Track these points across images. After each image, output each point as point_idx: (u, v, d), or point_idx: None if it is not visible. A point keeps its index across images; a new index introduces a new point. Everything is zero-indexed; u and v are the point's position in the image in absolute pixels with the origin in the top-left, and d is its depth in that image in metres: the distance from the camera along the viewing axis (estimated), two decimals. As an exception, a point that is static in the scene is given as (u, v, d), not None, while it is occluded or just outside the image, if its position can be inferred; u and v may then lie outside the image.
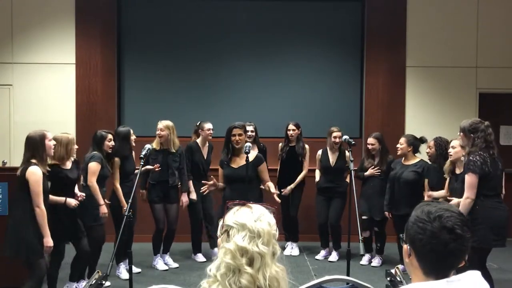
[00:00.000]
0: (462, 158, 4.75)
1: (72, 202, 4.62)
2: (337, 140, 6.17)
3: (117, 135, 5.50)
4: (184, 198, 5.97)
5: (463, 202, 4.15)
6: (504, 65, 7.47)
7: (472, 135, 4.24)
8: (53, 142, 4.20)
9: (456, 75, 7.50)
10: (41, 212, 3.99)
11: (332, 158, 6.26)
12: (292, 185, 6.40)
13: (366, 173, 6.05)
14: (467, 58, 7.50)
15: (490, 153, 4.21)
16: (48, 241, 4.04)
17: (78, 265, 4.95)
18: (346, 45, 7.71)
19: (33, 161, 4.03)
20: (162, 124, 5.82)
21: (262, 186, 4.88)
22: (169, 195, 5.87)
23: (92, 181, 4.97)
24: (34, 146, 4.05)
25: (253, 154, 4.75)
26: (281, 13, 7.64)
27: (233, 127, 4.70)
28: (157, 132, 5.81)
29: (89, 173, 5.00)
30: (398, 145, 5.80)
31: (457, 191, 4.73)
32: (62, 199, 4.58)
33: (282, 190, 6.33)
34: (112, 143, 5.23)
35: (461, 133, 4.35)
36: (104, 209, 5.05)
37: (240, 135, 4.66)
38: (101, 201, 5.01)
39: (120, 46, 7.58)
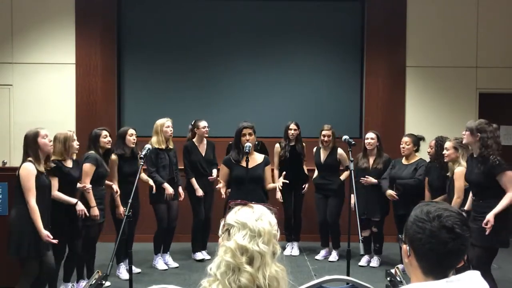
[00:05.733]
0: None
1: (81, 207, 4.68)
2: (326, 138, 6.16)
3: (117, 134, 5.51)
4: (181, 191, 5.96)
5: None
6: (504, 65, 7.47)
7: (479, 134, 4.16)
8: (48, 140, 4.19)
9: (456, 75, 7.50)
10: (31, 208, 3.99)
11: (323, 155, 6.25)
12: (306, 185, 6.46)
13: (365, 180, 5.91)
14: (467, 58, 7.49)
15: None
16: (43, 235, 4.03)
17: (71, 265, 4.94)
18: (346, 45, 7.70)
19: (29, 159, 4.07)
20: (170, 121, 5.82)
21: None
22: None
23: (86, 182, 4.91)
24: (27, 144, 4.11)
25: (260, 155, 4.75)
26: (281, 13, 7.64)
27: (243, 127, 4.66)
28: (170, 130, 5.78)
29: (82, 175, 4.94)
30: (404, 145, 5.69)
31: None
32: (73, 200, 4.63)
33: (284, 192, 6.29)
34: (108, 139, 5.18)
35: (467, 132, 4.27)
36: (94, 212, 4.91)
37: (250, 134, 4.64)
38: (92, 203, 4.92)
39: (120, 46, 7.58)
